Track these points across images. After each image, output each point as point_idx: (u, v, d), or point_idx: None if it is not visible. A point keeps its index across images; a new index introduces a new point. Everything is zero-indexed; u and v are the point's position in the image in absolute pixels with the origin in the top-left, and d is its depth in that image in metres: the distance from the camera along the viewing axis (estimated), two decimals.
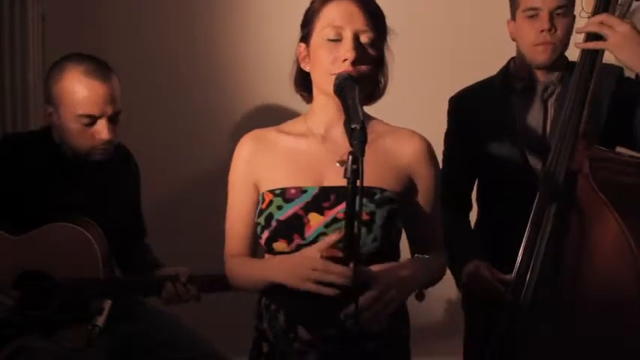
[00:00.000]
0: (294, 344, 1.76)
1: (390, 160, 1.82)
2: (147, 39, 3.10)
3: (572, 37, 2.23)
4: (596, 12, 2.05)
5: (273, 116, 3.06)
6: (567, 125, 2.04)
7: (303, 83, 1.86)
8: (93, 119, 2.20)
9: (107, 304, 2.15)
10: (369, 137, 1.72)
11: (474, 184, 2.43)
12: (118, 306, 2.19)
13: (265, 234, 1.76)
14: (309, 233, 1.73)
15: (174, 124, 3.13)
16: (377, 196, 1.75)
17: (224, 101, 3.17)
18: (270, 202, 1.77)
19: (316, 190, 1.76)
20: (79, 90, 2.19)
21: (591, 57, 2.04)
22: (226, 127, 3.13)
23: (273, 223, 1.75)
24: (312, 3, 1.82)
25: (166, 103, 3.12)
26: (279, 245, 1.75)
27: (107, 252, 2.26)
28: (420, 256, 1.87)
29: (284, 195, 1.77)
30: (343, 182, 1.54)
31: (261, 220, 1.77)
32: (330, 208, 1.74)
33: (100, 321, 2.12)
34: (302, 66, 1.83)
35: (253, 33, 3.16)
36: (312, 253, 1.68)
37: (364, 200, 1.67)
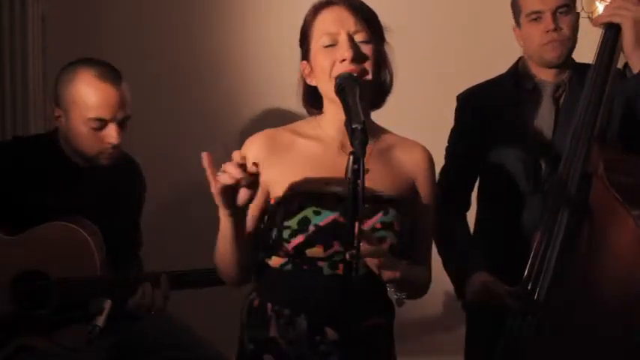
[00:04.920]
0: (320, 347, 1.75)
1: (400, 170, 1.85)
2: (147, 39, 3.10)
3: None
4: None
5: (274, 116, 3.09)
6: (582, 127, 2.03)
7: (311, 99, 1.87)
8: (103, 123, 2.21)
9: (107, 304, 2.15)
10: (382, 146, 1.82)
11: (475, 183, 2.43)
12: (119, 306, 2.20)
13: (299, 238, 1.73)
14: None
15: (174, 125, 3.13)
16: (402, 208, 1.78)
17: (224, 102, 3.17)
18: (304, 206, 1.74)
19: None
20: (92, 93, 2.19)
21: (608, 56, 2.04)
22: (227, 127, 3.13)
23: (311, 228, 1.72)
24: (305, 18, 1.84)
25: (166, 104, 3.12)
26: (315, 251, 1.73)
27: (104, 251, 2.26)
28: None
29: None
30: (373, 192, 1.64)
31: (293, 223, 1.73)
32: (369, 217, 1.74)
33: (100, 321, 2.12)
34: (308, 81, 1.84)
35: (253, 33, 3.17)
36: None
37: (394, 212, 1.75)
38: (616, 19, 2.01)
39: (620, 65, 2.12)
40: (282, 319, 1.78)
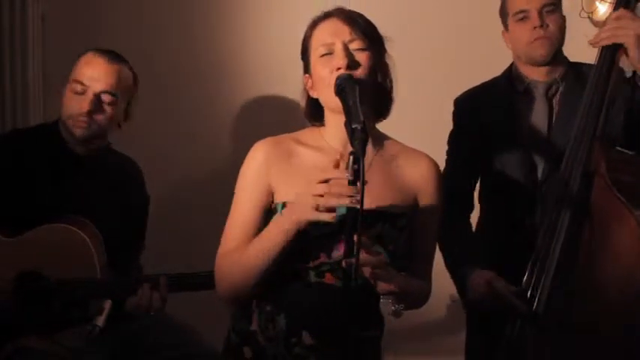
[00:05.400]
0: (295, 349, 1.77)
1: (402, 183, 1.85)
2: (147, 39, 3.10)
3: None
4: (616, 7, 2.06)
5: (275, 117, 3.08)
6: (584, 126, 2.02)
7: (314, 112, 1.89)
8: (83, 88, 2.26)
9: (107, 304, 2.15)
10: (385, 156, 1.83)
11: (475, 184, 2.44)
12: (119, 306, 2.20)
13: (292, 246, 1.73)
14: (338, 254, 1.72)
15: (174, 125, 3.13)
16: (400, 222, 1.79)
17: (224, 102, 3.17)
18: None
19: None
20: (83, 62, 2.30)
21: (610, 56, 2.03)
22: (227, 127, 3.13)
23: (305, 238, 1.73)
24: (305, 33, 1.88)
25: (166, 104, 3.12)
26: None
27: (104, 252, 2.26)
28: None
29: None
30: (370, 205, 1.65)
31: None
32: (365, 231, 1.72)
33: (100, 321, 2.12)
34: (311, 94, 1.87)
35: (253, 32, 3.16)
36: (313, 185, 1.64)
37: (389, 229, 1.76)
38: (619, 40, 1.99)
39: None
40: (263, 314, 1.80)
